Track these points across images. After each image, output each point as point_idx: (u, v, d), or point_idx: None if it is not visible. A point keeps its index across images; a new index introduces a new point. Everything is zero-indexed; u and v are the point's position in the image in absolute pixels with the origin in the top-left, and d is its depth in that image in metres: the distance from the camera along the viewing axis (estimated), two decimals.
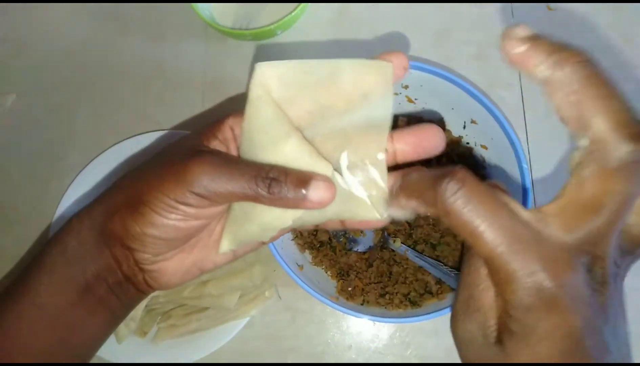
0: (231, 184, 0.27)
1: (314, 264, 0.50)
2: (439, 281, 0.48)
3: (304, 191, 0.26)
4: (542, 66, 0.21)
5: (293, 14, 0.52)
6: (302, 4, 0.53)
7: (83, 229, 0.30)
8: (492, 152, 0.48)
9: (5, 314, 0.30)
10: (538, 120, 0.55)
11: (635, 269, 0.53)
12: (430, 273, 0.48)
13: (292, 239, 0.50)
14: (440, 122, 0.51)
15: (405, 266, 0.49)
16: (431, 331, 0.51)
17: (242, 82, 0.57)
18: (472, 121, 0.47)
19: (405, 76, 0.28)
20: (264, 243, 0.32)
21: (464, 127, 0.49)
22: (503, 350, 0.21)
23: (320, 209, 0.27)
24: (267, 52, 0.58)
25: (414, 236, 0.49)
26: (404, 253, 0.49)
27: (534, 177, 0.53)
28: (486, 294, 0.22)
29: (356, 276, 0.49)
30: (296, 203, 0.27)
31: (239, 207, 0.29)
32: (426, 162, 0.33)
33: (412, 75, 0.46)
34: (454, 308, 0.24)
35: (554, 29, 0.57)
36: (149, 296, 0.48)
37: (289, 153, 0.27)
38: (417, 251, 0.49)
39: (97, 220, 0.30)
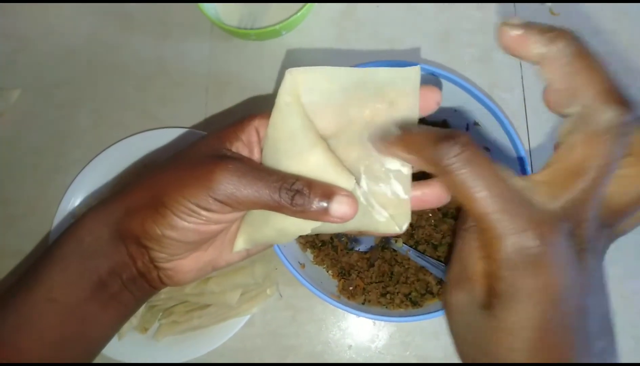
0: (254, 193, 0.27)
1: (316, 263, 0.50)
2: (440, 282, 0.48)
3: (326, 206, 0.26)
4: (537, 44, 0.23)
5: (298, 14, 0.52)
6: (308, 5, 0.53)
7: (99, 225, 0.30)
8: (495, 154, 0.48)
9: (18, 307, 0.30)
10: (540, 122, 0.55)
11: (636, 270, 0.52)
12: (431, 274, 0.48)
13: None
14: (443, 124, 0.51)
15: (406, 266, 0.49)
16: (431, 331, 0.51)
17: (246, 82, 0.58)
18: (475, 123, 0.48)
19: (436, 108, 0.28)
20: None
21: (467, 129, 0.49)
22: (490, 313, 0.22)
23: None
24: (271, 52, 0.58)
25: (415, 237, 0.50)
26: (406, 253, 0.49)
27: None
28: (476, 264, 0.23)
29: (357, 276, 0.49)
30: (318, 217, 0.27)
31: (257, 210, 0.29)
32: None
33: None
34: (446, 280, 0.25)
35: None
36: None
37: (313, 164, 0.27)
38: (419, 252, 0.49)
39: (114, 217, 0.30)
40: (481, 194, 0.21)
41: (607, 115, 0.21)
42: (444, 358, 0.50)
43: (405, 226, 0.28)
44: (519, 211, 0.21)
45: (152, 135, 0.54)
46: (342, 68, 0.27)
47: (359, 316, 0.43)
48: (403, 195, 0.27)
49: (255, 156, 0.30)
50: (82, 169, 0.54)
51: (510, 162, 0.45)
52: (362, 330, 0.52)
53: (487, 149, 0.49)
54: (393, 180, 0.27)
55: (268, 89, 0.57)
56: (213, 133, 0.30)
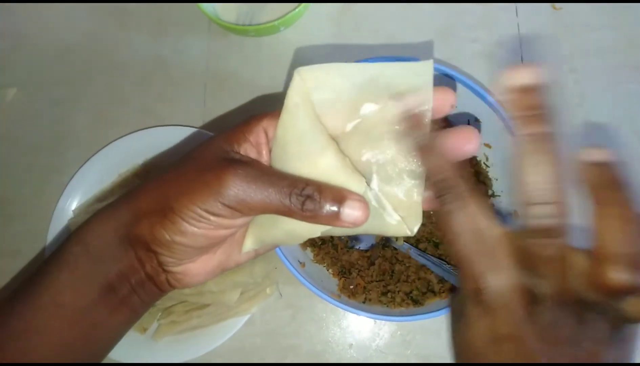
0: (264, 199, 0.26)
1: (316, 262, 0.50)
2: (441, 280, 0.47)
3: (337, 210, 0.26)
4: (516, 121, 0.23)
5: (297, 10, 0.52)
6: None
7: (107, 230, 0.30)
8: (496, 150, 0.48)
9: (24, 312, 0.29)
10: None
11: None
12: (432, 272, 0.48)
13: None
14: (443, 120, 0.50)
15: (407, 265, 0.48)
16: (433, 330, 0.51)
17: (244, 78, 0.57)
18: (476, 119, 0.47)
19: (450, 111, 0.28)
20: None
21: (468, 124, 0.49)
22: (455, 325, 0.25)
23: None
24: (270, 49, 0.58)
25: (416, 235, 0.49)
26: (407, 251, 0.49)
27: None
28: None
29: (358, 274, 0.48)
30: (329, 222, 0.27)
31: None
32: None
33: None
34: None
35: (558, 28, 0.57)
36: None
37: (323, 166, 0.27)
38: (420, 250, 0.49)
39: (122, 221, 0.29)
40: (461, 240, 0.24)
41: (535, 221, 0.22)
42: (446, 357, 0.50)
43: (416, 229, 0.27)
44: (485, 260, 0.23)
45: (150, 133, 0.54)
46: (352, 64, 0.26)
47: (359, 315, 0.42)
48: (416, 197, 0.27)
49: (264, 158, 0.29)
50: (79, 168, 0.53)
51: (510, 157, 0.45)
52: (362, 328, 0.51)
53: (488, 147, 0.49)
54: (406, 180, 0.27)
55: (266, 86, 0.57)
56: (220, 134, 0.30)
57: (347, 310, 0.42)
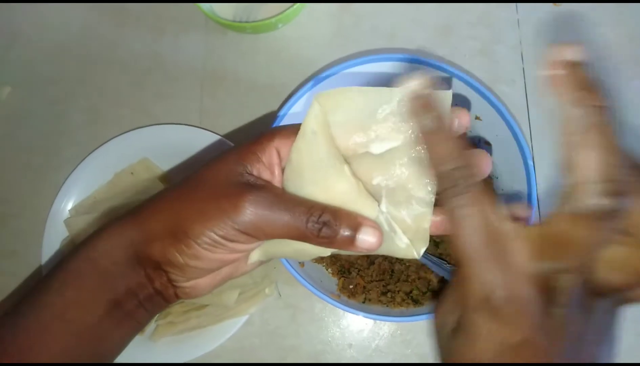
0: (281, 227, 0.27)
1: (315, 262, 0.49)
2: (441, 280, 0.47)
3: (353, 237, 0.26)
4: (565, 99, 0.22)
5: (294, 7, 0.51)
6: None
7: (115, 248, 0.29)
8: (497, 148, 0.47)
9: (29, 326, 0.29)
10: (542, 116, 0.54)
11: None
12: (432, 271, 0.47)
13: None
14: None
15: (407, 264, 0.48)
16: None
17: (242, 76, 0.57)
18: (477, 117, 0.47)
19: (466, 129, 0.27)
20: None
21: None
22: (449, 343, 0.23)
23: None
24: (267, 46, 0.57)
25: None
26: None
27: (537, 173, 0.53)
28: (455, 293, 0.24)
29: (357, 274, 0.48)
30: (343, 247, 0.27)
31: None
32: None
33: (416, 70, 0.45)
34: (440, 296, 0.26)
35: (559, 24, 0.57)
36: None
37: (338, 192, 0.27)
38: None
39: (130, 240, 0.29)
40: (467, 239, 0.22)
41: (590, 202, 0.21)
42: None
43: (422, 251, 0.28)
44: (496, 261, 0.22)
45: (147, 132, 0.53)
46: (369, 88, 0.26)
47: (359, 315, 0.42)
48: (425, 224, 0.27)
49: (277, 178, 0.30)
50: (75, 167, 0.53)
51: (512, 155, 0.44)
52: (362, 328, 0.51)
53: (488, 144, 0.48)
54: (415, 206, 0.27)
55: (264, 83, 0.56)
56: (231, 153, 0.29)
57: (347, 311, 0.42)
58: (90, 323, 0.29)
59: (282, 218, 0.27)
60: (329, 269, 0.49)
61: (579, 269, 0.22)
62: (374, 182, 0.27)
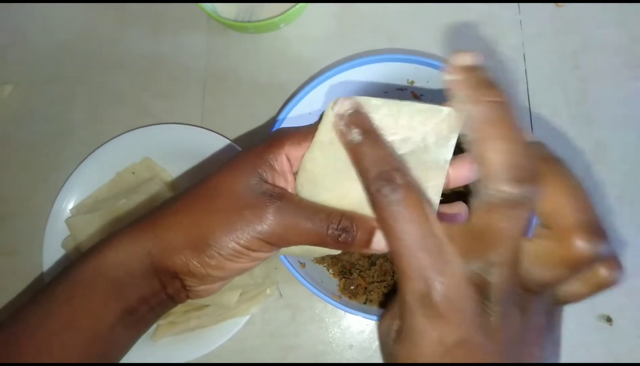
0: (302, 233, 0.28)
1: (316, 262, 0.49)
2: None
3: (368, 240, 0.27)
4: (464, 97, 0.23)
5: (297, 7, 0.51)
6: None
7: (129, 258, 0.29)
8: None
9: (36, 334, 0.29)
10: (544, 118, 0.54)
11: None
12: None
13: None
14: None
15: None
16: None
17: (244, 76, 0.56)
18: None
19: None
20: None
21: None
22: (393, 347, 0.24)
23: None
24: (269, 46, 0.57)
25: None
26: None
27: None
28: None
29: (359, 275, 0.48)
30: (358, 249, 0.28)
31: None
32: None
33: (418, 70, 0.45)
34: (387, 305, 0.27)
35: (561, 25, 0.57)
36: None
37: (352, 198, 0.28)
38: None
39: (145, 250, 0.29)
40: (401, 237, 0.22)
41: (503, 191, 0.22)
42: None
43: None
44: (432, 258, 0.22)
45: (148, 131, 0.53)
46: (381, 99, 0.27)
47: (360, 316, 0.42)
48: None
49: (290, 185, 0.30)
50: (77, 167, 0.52)
51: None
52: (363, 329, 0.51)
53: None
54: None
55: (266, 83, 0.56)
56: (245, 159, 0.30)
57: (348, 311, 0.42)
58: (101, 330, 0.29)
59: (304, 226, 0.27)
60: (330, 270, 0.49)
61: (506, 264, 0.22)
62: None
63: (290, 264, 0.42)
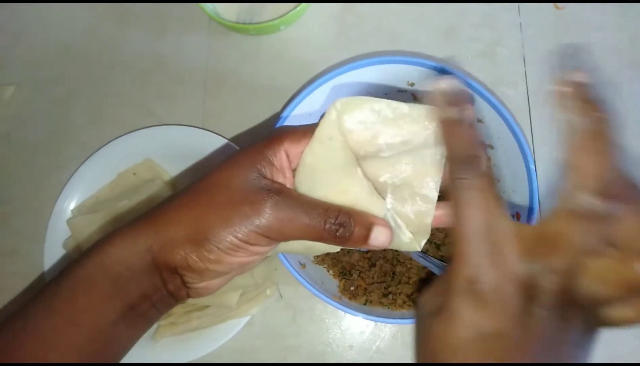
0: (300, 229, 0.28)
1: (316, 263, 0.49)
2: None
3: (366, 235, 0.28)
4: (568, 109, 0.24)
5: (297, 9, 0.51)
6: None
7: (130, 255, 0.29)
8: (499, 151, 0.47)
9: (40, 329, 0.29)
10: (544, 119, 0.54)
11: None
12: (434, 274, 0.47)
13: None
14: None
15: (408, 266, 0.48)
16: None
17: (245, 77, 0.57)
18: (479, 120, 0.47)
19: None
20: None
21: None
22: (430, 321, 0.24)
23: None
24: (270, 47, 0.57)
25: None
26: (408, 253, 0.48)
27: (539, 176, 0.53)
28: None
29: (359, 276, 0.48)
30: (356, 245, 0.28)
31: None
32: None
33: (418, 72, 0.45)
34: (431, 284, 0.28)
35: (561, 27, 0.57)
36: None
37: (351, 193, 0.29)
38: (421, 251, 0.48)
39: (146, 246, 0.29)
40: (468, 223, 0.23)
41: (584, 201, 0.22)
42: None
43: (423, 243, 0.30)
44: (489, 250, 0.23)
45: (149, 133, 0.53)
46: (383, 100, 0.28)
47: (360, 317, 0.42)
48: (427, 219, 0.29)
49: (289, 180, 0.31)
50: (78, 167, 0.53)
51: (513, 158, 0.44)
52: (363, 329, 0.51)
53: (490, 147, 0.48)
54: (419, 202, 0.29)
55: (267, 85, 0.56)
56: (244, 155, 0.30)
57: (348, 312, 0.42)
58: (103, 326, 0.29)
59: (301, 220, 0.28)
60: (330, 271, 0.49)
61: (564, 272, 0.22)
62: (381, 179, 0.29)
63: (291, 265, 0.42)
